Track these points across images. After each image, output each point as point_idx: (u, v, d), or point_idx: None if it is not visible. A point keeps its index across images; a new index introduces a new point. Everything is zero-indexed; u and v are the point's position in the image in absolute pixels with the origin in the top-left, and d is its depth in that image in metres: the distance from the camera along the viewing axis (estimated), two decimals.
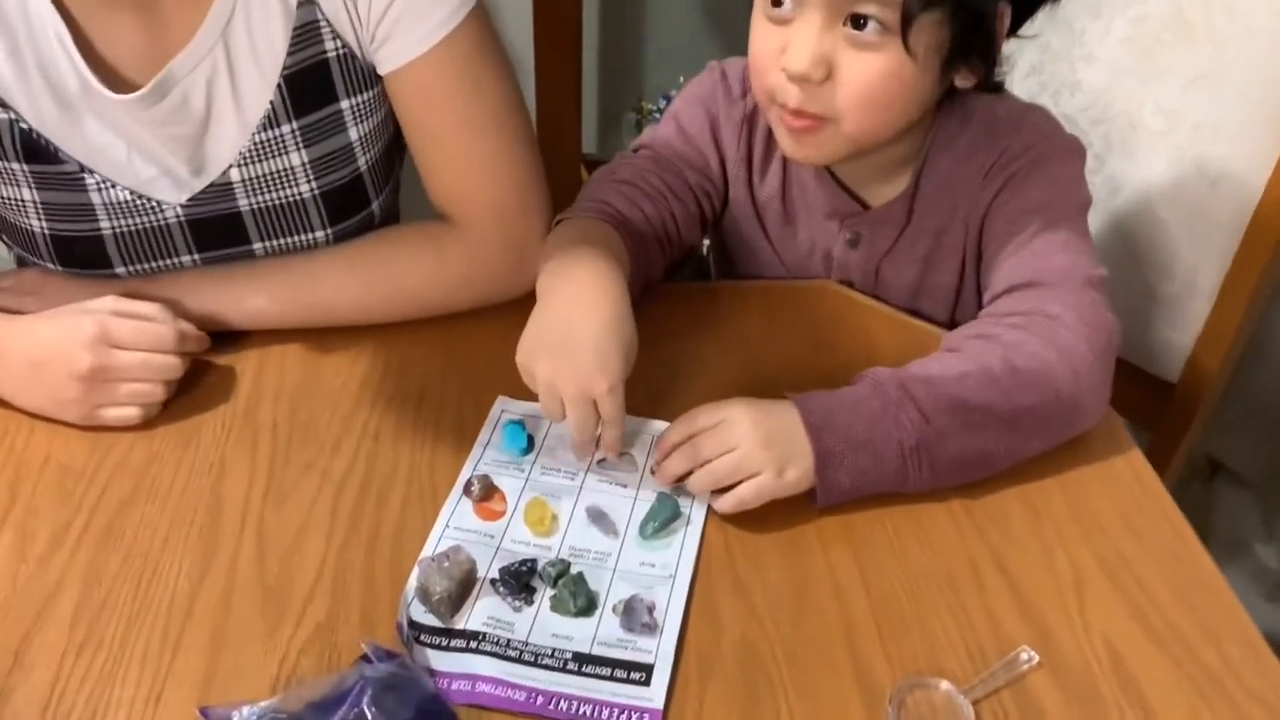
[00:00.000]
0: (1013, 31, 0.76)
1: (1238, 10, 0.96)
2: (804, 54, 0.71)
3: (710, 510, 0.68)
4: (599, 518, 0.68)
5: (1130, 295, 1.09)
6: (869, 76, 0.72)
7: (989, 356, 0.70)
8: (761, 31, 0.76)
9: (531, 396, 0.71)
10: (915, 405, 0.68)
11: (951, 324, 0.86)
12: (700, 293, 0.92)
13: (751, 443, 0.66)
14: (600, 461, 0.72)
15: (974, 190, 0.82)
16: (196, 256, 0.82)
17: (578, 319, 0.69)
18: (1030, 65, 1.11)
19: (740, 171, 0.89)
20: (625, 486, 0.70)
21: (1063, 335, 0.71)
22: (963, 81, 0.76)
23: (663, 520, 0.67)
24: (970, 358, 0.71)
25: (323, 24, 0.76)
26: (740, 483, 0.66)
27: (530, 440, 0.73)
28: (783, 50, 0.73)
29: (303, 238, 0.83)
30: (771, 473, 0.66)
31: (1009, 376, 0.69)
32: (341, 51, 0.77)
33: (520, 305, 0.78)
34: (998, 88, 0.81)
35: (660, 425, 0.73)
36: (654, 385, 0.78)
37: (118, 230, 0.79)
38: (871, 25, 0.70)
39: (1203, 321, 1.05)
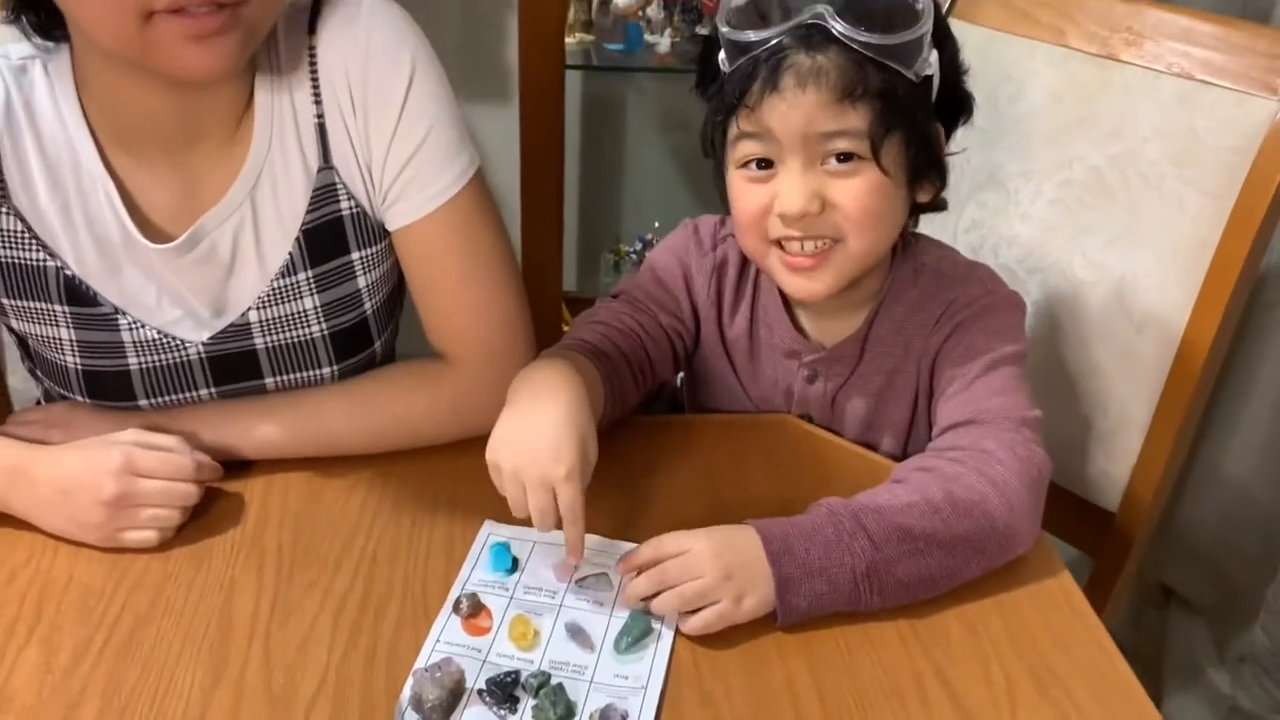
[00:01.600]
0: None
1: (1150, 177, 1.08)
2: (798, 194, 0.81)
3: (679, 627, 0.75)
4: (577, 633, 0.74)
5: (1070, 430, 1.17)
6: (860, 195, 0.81)
7: (931, 488, 0.78)
8: (745, 191, 0.84)
9: (516, 521, 0.77)
10: (866, 534, 0.75)
11: (904, 455, 0.94)
12: (672, 424, 1.00)
13: (714, 574, 0.73)
14: (579, 581, 0.78)
15: (925, 336, 0.91)
16: (214, 390, 0.90)
17: (535, 414, 0.76)
18: (972, 220, 1.23)
19: (711, 313, 0.98)
20: (601, 604, 0.77)
21: (996, 470, 0.79)
22: (923, 196, 0.87)
23: (635, 636, 0.73)
24: (914, 489, 0.79)
25: (339, 187, 0.86)
26: (705, 607, 0.73)
27: (514, 561, 0.80)
28: (771, 200, 0.82)
29: (311, 373, 0.91)
30: (730, 601, 0.73)
31: (949, 506, 0.77)
32: (355, 210, 0.87)
33: None
34: (944, 205, 0.92)
35: (632, 546, 0.80)
36: (628, 509, 0.85)
37: (144, 366, 0.87)
38: (852, 157, 0.80)
39: (1136, 454, 1.13)
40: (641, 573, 0.75)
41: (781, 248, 0.85)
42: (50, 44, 0.81)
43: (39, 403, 1.01)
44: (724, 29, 0.82)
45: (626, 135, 2.04)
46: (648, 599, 0.75)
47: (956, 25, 1.24)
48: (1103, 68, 1.12)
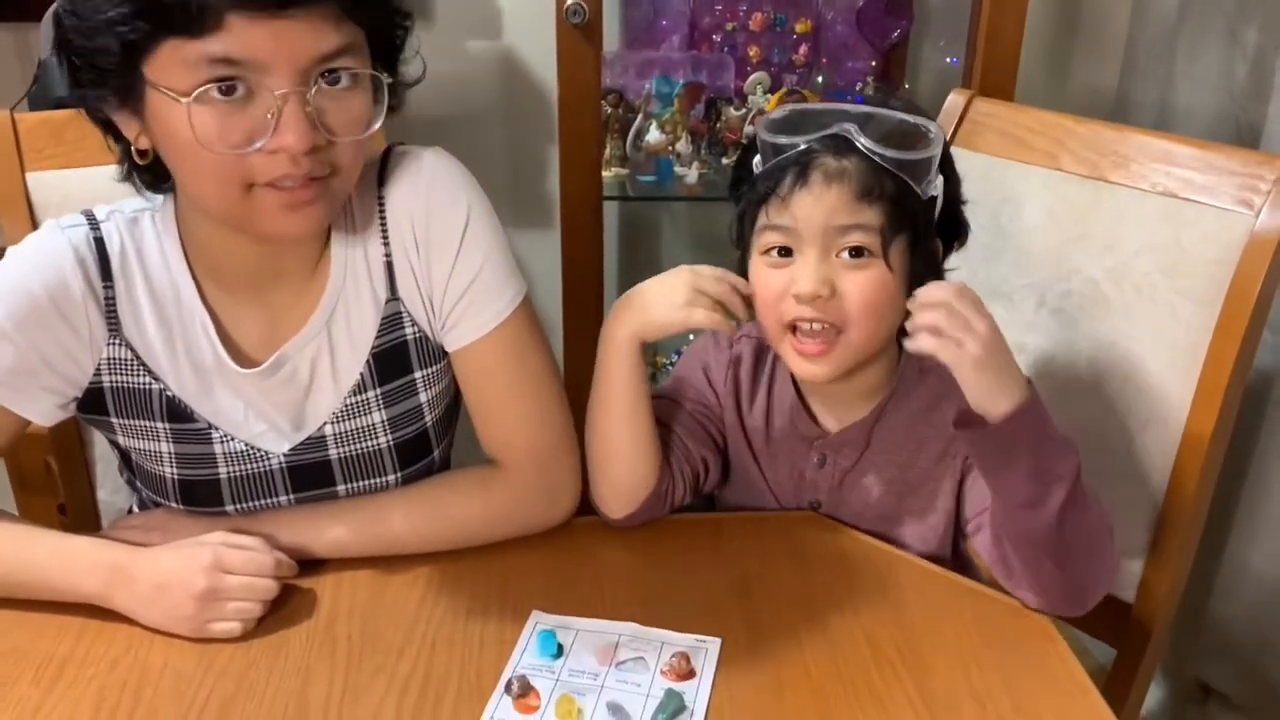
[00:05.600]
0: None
1: (1142, 288, 1.17)
2: (811, 278, 0.92)
3: (710, 701, 0.82)
4: (617, 710, 0.82)
5: None
6: (866, 286, 0.92)
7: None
8: (765, 276, 0.95)
9: (559, 610, 0.85)
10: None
11: (934, 547, 1.02)
12: (704, 522, 1.08)
13: (980, 345, 0.83)
14: (618, 664, 0.86)
15: (944, 437, 0.99)
16: (292, 497, 1.00)
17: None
18: None
19: (730, 402, 1.08)
20: (639, 685, 0.84)
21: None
22: None
23: (669, 712, 0.81)
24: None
25: (404, 315, 0.97)
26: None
27: (560, 647, 0.88)
28: (789, 284, 0.93)
29: (377, 480, 1.01)
30: (969, 356, 0.83)
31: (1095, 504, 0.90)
32: (417, 335, 0.98)
33: (550, 536, 0.97)
34: None
35: (666, 633, 0.88)
36: (662, 600, 0.93)
37: (232, 475, 0.98)
38: (863, 252, 0.91)
39: (1147, 547, 1.19)
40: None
41: (794, 332, 0.95)
42: (158, 196, 0.94)
43: (130, 511, 1.12)
44: (764, 134, 0.94)
45: (660, 257, 2.17)
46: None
47: (959, 152, 1.35)
48: (1094, 188, 1.22)
